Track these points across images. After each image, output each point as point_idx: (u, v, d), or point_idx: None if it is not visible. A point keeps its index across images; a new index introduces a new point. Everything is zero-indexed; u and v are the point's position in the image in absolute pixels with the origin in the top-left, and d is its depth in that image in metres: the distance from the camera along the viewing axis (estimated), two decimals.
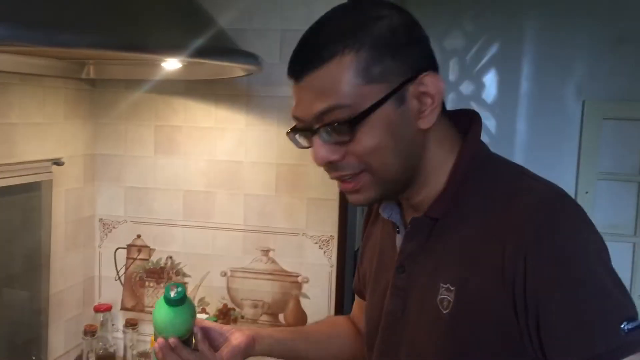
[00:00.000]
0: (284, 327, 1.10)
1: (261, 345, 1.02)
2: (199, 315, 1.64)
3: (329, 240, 1.60)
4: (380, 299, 0.90)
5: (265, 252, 1.63)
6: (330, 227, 1.59)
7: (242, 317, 1.65)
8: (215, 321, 1.58)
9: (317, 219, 1.60)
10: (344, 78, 0.74)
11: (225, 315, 1.65)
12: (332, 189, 1.57)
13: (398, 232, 0.89)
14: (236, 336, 1.00)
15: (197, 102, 1.65)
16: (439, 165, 0.82)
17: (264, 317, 1.64)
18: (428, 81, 0.76)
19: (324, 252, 1.60)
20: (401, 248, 0.86)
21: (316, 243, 1.61)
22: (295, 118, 0.80)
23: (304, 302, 1.62)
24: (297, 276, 1.62)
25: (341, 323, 1.14)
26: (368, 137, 0.76)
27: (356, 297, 1.12)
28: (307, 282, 1.62)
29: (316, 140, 0.78)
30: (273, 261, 1.63)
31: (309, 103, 0.77)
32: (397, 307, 0.86)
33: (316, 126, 0.77)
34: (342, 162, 0.78)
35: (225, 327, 1.02)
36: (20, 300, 1.45)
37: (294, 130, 0.81)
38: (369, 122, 0.75)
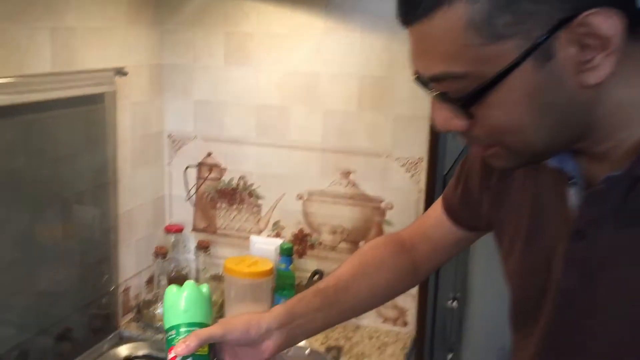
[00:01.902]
0: (313, 298, 0.88)
1: (291, 343, 0.86)
2: (273, 240, 1.54)
3: (417, 163, 1.42)
4: (540, 267, 0.70)
5: (346, 174, 1.48)
6: (419, 148, 1.41)
7: (320, 243, 1.53)
8: (291, 248, 1.47)
9: (404, 138, 1.42)
10: (453, 37, 0.55)
11: (301, 241, 1.54)
12: (423, 104, 1.38)
13: (570, 183, 0.67)
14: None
15: (270, 5, 1.46)
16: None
17: (343, 245, 1.51)
18: (595, 21, 0.53)
19: (411, 175, 1.43)
20: (582, 209, 0.65)
21: (403, 166, 1.43)
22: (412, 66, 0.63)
23: (387, 230, 1.47)
24: (381, 202, 1.47)
25: (377, 260, 0.94)
26: (496, 114, 0.58)
27: (439, 210, 0.92)
28: (391, 208, 1.46)
29: (434, 103, 0.61)
30: (354, 185, 1.48)
31: (420, 58, 0.60)
32: (575, 284, 0.65)
33: (431, 88, 0.61)
34: (468, 132, 0.61)
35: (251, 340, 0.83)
36: (90, 218, 1.38)
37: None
38: (496, 95, 0.56)
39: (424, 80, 0.62)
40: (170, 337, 0.82)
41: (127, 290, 1.50)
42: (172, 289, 0.85)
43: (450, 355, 2.06)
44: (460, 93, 0.58)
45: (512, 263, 0.77)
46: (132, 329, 1.46)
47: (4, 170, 1.12)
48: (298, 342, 0.88)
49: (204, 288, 0.86)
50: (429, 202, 1.41)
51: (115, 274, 1.46)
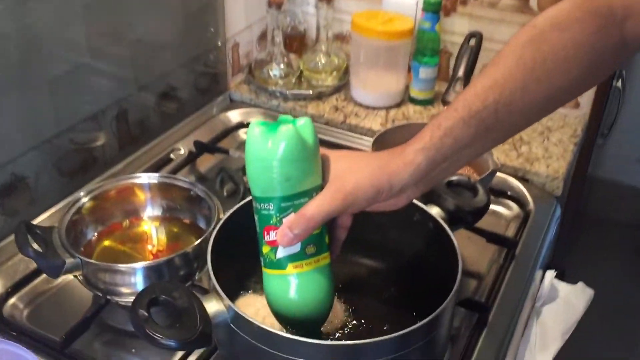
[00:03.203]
0: (464, 129, 0.57)
1: (425, 191, 0.61)
2: None
3: None
4: None
5: None
6: None
7: None
8: (439, 2, 1.14)
9: None
10: None
11: None
12: None
13: None
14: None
15: None
16: None
17: (507, 0, 1.16)
18: None
19: None
20: None
21: None
22: None
23: None
24: None
25: (564, 50, 0.57)
26: None
27: None
28: None
29: None
30: None
31: None
32: None
33: None
34: None
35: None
36: None
37: None
38: None
39: None
40: (264, 212, 0.57)
41: (236, 46, 1.27)
42: (260, 134, 0.55)
43: (601, 141, 1.77)
44: None
45: None
46: (244, 92, 1.26)
47: None
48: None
49: (307, 129, 0.57)
50: None
51: (223, 26, 1.22)
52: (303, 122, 0.57)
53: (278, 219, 0.56)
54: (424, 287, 0.72)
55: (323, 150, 0.59)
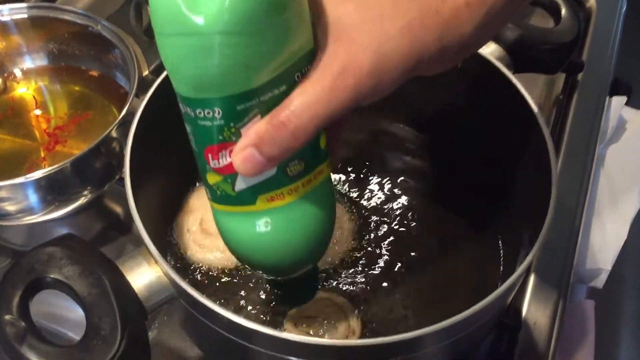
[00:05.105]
0: None
1: None
2: None
3: None
4: None
5: None
6: None
7: None
8: None
9: None
10: None
11: None
12: None
13: None
14: None
15: None
16: None
17: None
18: None
19: None
20: None
21: None
22: None
23: None
24: None
25: None
26: None
27: None
28: None
29: None
30: None
31: None
32: None
33: None
34: None
35: None
36: None
37: None
38: None
39: None
40: (203, 123, 0.29)
41: None
42: None
43: None
44: None
45: None
46: None
47: None
48: None
49: None
50: None
51: None
52: None
53: (232, 131, 0.28)
54: (462, 166, 0.47)
55: None
